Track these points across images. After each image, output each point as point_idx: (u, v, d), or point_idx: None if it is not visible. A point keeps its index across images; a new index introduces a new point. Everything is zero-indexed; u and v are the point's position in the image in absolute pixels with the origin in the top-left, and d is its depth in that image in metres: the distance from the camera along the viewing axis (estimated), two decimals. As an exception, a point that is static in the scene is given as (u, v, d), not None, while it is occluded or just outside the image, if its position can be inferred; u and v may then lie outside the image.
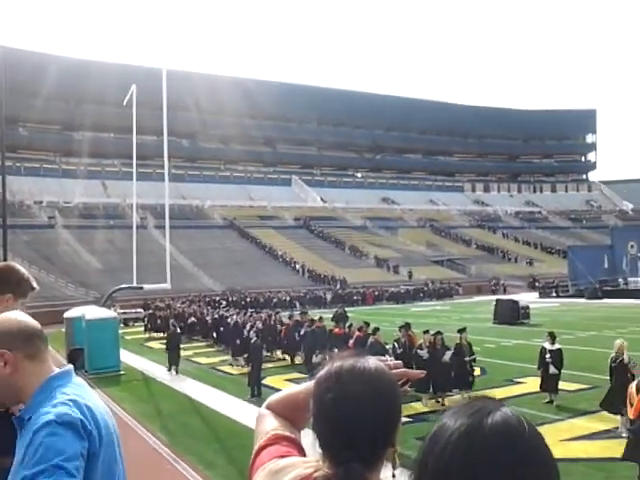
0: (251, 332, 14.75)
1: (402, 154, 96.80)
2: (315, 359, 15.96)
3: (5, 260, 22.88)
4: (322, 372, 1.30)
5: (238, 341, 17.94)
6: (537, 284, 49.87)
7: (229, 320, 21.24)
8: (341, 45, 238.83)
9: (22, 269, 3.14)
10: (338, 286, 49.26)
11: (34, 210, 57.60)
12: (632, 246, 44.78)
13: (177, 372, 17.27)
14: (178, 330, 19.31)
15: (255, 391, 13.76)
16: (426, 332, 13.22)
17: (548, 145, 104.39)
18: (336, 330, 16.93)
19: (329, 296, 44.01)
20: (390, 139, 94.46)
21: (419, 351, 12.72)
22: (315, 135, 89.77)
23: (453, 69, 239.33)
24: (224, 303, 35.90)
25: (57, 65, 66.31)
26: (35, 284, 3.16)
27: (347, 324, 17.84)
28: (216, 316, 24.14)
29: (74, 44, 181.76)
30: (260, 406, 1.55)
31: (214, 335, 23.36)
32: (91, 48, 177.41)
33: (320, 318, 18.28)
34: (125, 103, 28.04)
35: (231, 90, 77.30)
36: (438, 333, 13.03)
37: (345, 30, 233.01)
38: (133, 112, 27.74)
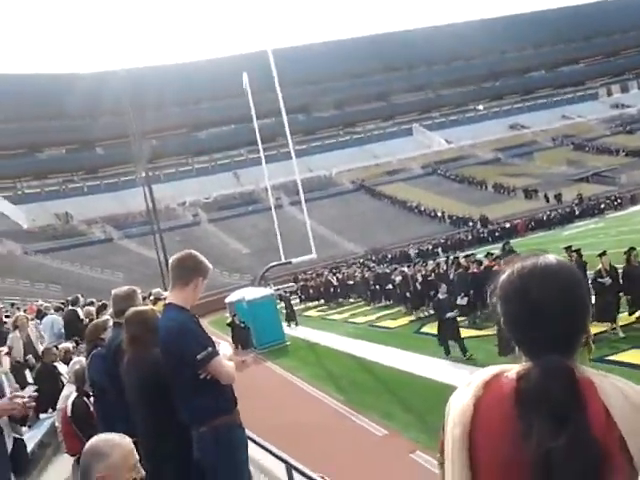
0: (442, 286, 13.17)
1: (522, 74, 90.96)
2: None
3: (166, 261, 24.83)
4: (504, 276, 1.37)
5: (408, 294, 19.30)
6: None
7: (393, 276, 21.37)
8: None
9: (197, 253, 3.59)
10: (479, 225, 47.90)
11: (179, 212, 61.70)
12: None
13: (297, 325, 21.78)
14: (288, 294, 25.55)
15: (447, 350, 12.38)
16: (602, 255, 11.66)
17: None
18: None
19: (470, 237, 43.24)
20: (507, 61, 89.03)
21: (599, 279, 11.27)
22: (427, 77, 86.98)
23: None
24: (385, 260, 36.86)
25: (166, 74, 70.27)
26: (209, 264, 3.61)
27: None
28: (379, 272, 24.59)
29: (174, 49, 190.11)
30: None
31: (368, 293, 24.12)
32: (193, 49, 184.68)
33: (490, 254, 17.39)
34: (245, 91, 28.92)
35: (332, 54, 77.10)
36: (632, 249, 11.60)
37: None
38: (250, 99, 28.59)
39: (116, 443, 2.08)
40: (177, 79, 69.81)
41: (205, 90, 72.32)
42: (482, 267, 16.18)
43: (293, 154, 27.16)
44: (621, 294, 11.39)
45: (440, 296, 12.62)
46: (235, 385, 3.49)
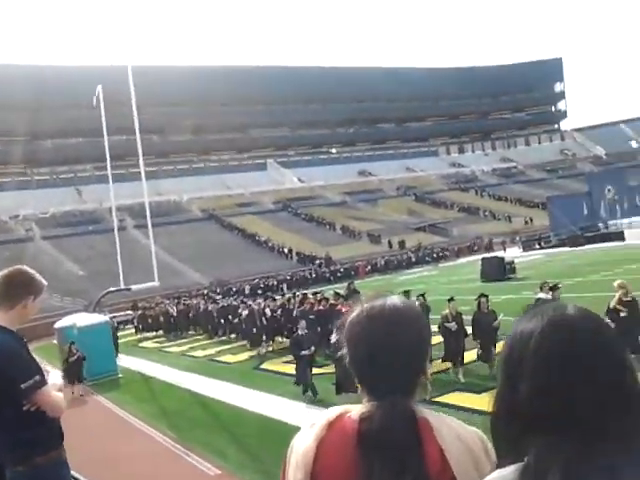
0: (301, 322, 12.82)
1: (375, 124, 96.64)
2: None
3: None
4: (352, 316, 1.37)
5: (254, 330, 18.60)
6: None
7: (240, 310, 20.87)
8: (301, 21, 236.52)
9: (29, 269, 3.21)
10: (322, 264, 49.29)
11: (10, 225, 56.83)
12: (609, 190, 45.31)
13: (117, 355, 19.96)
14: (115, 324, 23.99)
15: (309, 390, 11.77)
16: (450, 300, 12.15)
17: (517, 99, 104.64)
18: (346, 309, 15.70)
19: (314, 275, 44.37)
20: (361, 111, 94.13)
21: (446, 324, 11.82)
22: (286, 115, 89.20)
23: (415, 34, 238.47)
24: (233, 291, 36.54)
25: (15, 74, 65.04)
26: (43, 280, 3.24)
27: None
28: (224, 304, 23.91)
29: (30, 50, 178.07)
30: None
31: (209, 326, 23.57)
32: (48, 53, 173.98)
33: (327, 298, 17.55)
34: (95, 105, 27.58)
35: (195, 79, 76.55)
36: (482, 295, 12.13)
37: (302, 4, 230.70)
38: (102, 113, 27.29)
39: None
40: (25, 81, 64.83)
41: (54, 97, 67.92)
42: (327, 305, 16.60)
43: (143, 175, 26.28)
44: (466, 339, 11.91)
45: (300, 332, 12.39)
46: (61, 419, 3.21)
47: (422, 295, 13.86)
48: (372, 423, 1.24)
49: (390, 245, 55.19)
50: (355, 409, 1.31)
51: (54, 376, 3.34)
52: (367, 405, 1.30)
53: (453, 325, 11.79)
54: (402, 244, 54.58)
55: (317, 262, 49.94)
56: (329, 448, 1.26)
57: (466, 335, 12.01)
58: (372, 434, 1.23)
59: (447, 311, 12.00)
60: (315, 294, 18.75)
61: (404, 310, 1.35)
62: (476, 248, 51.02)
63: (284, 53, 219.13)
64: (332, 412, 1.33)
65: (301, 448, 1.29)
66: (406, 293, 13.78)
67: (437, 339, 11.86)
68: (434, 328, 11.63)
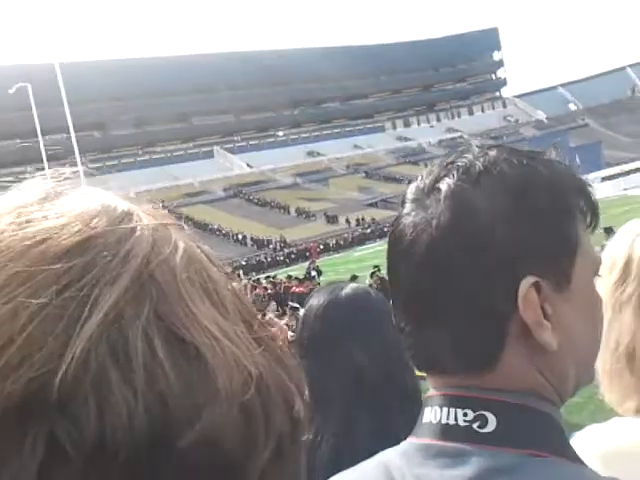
0: (271, 304, 12.74)
1: (319, 105, 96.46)
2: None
3: None
4: (310, 305, 1.33)
5: None
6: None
7: None
8: (234, 5, 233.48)
9: None
10: (276, 247, 49.29)
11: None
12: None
13: None
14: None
15: None
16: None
17: (458, 69, 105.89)
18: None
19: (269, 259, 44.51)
20: (305, 92, 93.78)
21: None
22: (229, 102, 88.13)
23: (351, 11, 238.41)
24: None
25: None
26: None
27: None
28: None
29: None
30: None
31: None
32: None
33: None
34: (12, 91, 26.81)
35: (133, 72, 74.88)
36: None
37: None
38: (34, 113, 26.64)
39: None
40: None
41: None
42: (282, 287, 16.77)
43: (81, 172, 25.20)
44: None
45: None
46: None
47: (377, 268, 14.02)
48: None
49: (348, 223, 55.39)
50: None
51: None
52: None
53: None
54: (360, 221, 54.84)
55: (271, 246, 49.96)
56: None
57: None
58: None
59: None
60: (267, 278, 18.90)
61: (364, 295, 1.34)
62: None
63: (222, 39, 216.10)
64: None
65: None
66: (376, 267, 14.07)
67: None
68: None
